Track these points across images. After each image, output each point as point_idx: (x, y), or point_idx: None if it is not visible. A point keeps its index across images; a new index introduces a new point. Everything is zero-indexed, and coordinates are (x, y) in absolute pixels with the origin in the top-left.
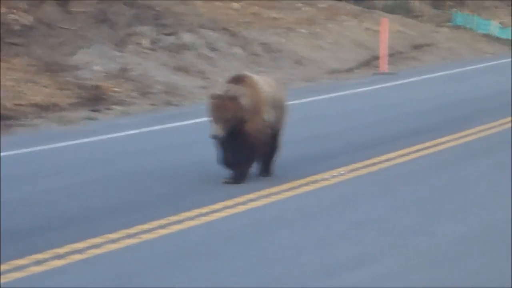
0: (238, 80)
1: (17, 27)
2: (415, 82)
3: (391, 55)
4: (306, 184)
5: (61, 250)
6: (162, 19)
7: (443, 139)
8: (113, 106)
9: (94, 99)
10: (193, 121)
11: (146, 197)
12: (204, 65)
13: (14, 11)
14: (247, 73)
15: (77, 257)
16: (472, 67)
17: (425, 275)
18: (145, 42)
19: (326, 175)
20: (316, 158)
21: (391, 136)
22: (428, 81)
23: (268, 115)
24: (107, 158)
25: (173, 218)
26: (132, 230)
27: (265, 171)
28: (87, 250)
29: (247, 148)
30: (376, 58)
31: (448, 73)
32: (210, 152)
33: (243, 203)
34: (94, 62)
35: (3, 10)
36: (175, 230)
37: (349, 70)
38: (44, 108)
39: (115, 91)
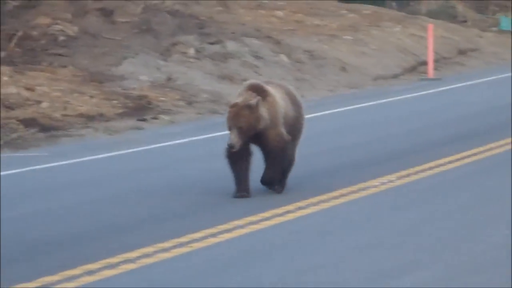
0: (256, 89)
1: (62, 38)
2: (461, 87)
3: (436, 61)
4: (356, 192)
5: (112, 260)
6: (206, 28)
7: (490, 146)
8: (160, 116)
9: (140, 109)
10: None
11: (194, 206)
12: (248, 73)
13: (59, 21)
14: (261, 83)
15: (130, 266)
16: None
17: (470, 280)
18: (190, 51)
19: (375, 182)
20: (364, 165)
21: (438, 142)
22: (474, 87)
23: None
24: (155, 167)
25: (222, 227)
26: (183, 239)
27: (279, 185)
28: (138, 260)
29: (273, 157)
30: (421, 64)
31: (494, 79)
32: (257, 159)
33: (292, 211)
34: (139, 72)
35: (48, 21)
36: (225, 238)
37: (395, 76)
38: (90, 118)
39: (161, 101)
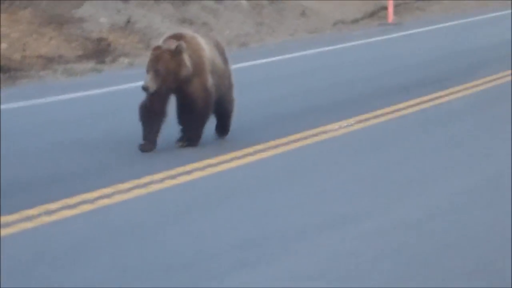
0: (179, 37)
1: None
2: (420, 32)
3: (396, 6)
4: (315, 135)
5: (70, 201)
6: None
7: (448, 91)
8: (119, 58)
9: (100, 51)
10: None
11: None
12: (208, 17)
13: None
14: (188, 31)
15: (88, 207)
16: (477, 18)
17: (425, 227)
18: None
19: (334, 126)
20: (323, 109)
21: (397, 87)
22: (434, 32)
23: (210, 78)
24: (113, 109)
25: (181, 169)
26: (142, 180)
27: (222, 132)
28: (96, 201)
29: (194, 110)
30: (382, 9)
31: (453, 24)
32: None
33: (252, 154)
34: (99, 14)
35: None
36: (184, 181)
37: (354, 21)
38: (49, 60)
39: (120, 43)
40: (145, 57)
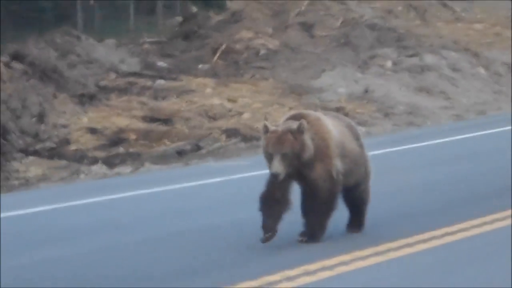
0: (300, 117)
1: (263, 51)
2: None
3: None
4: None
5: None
6: (404, 41)
7: None
8: (357, 127)
9: None
10: (436, 141)
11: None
12: (446, 85)
13: (261, 35)
14: (311, 111)
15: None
16: None
17: None
18: (387, 63)
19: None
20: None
21: None
22: None
23: (338, 162)
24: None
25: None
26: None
27: (355, 226)
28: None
29: (317, 200)
30: None
31: None
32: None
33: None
34: (337, 84)
35: (250, 35)
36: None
37: None
38: None
39: (358, 112)
40: (381, 126)
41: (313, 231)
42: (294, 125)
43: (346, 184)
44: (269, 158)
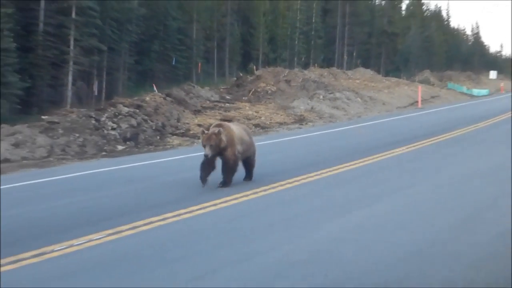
0: (219, 126)
1: (269, 91)
2: (434, 111)
3: (422, 100)
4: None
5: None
6: (327, 87)
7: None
8: None
9: None
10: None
11: None
12: (344, 105)
13: (268, 85)
14: (225, 122)
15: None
16: (459, 104)
17: None
18: (321, 96)
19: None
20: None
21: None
22: (438, 111)
23: (239, 147)
24: None
25: (218, 201)
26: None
27: (248, 178)
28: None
29: (228, 166)
30: (416, 102)
31: (446, 108)
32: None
33: (265, 190)
34: (300, 105)
35: (264, 84)
36: (214, 208)
37: (405, 107)
38: None
39: (309, 117)
40: (317, 123)
41: (226, 181)
42: (216, 130)
43: (243, 157)
44: (204, 146)
